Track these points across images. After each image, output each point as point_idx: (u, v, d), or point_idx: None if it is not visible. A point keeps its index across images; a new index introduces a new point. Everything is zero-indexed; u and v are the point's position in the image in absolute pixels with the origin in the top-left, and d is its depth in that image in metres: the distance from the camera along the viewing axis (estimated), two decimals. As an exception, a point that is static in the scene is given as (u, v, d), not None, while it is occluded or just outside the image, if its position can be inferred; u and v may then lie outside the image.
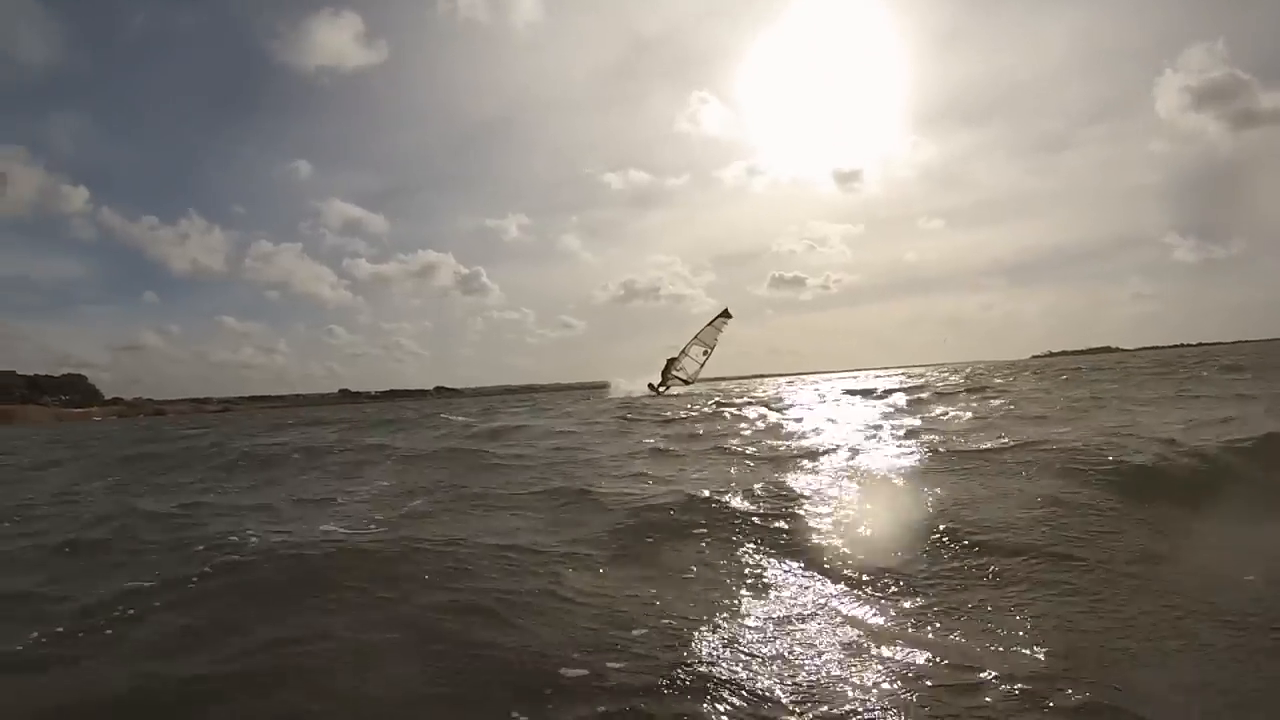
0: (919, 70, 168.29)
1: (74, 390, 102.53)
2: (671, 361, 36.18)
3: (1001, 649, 2.62)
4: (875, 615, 3.03)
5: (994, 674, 2.37)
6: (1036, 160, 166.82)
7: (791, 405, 17.20)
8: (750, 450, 8.23)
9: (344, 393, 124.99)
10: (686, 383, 35.95)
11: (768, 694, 2.34)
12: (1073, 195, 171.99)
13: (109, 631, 2.99)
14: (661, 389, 35.02)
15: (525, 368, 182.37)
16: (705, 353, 36.58)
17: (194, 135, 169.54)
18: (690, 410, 16.63)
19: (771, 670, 2.51)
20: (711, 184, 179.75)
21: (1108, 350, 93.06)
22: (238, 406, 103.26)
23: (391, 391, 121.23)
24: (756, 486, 5.26)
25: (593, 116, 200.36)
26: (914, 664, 2.52)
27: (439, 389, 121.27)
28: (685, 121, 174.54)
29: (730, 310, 37.59)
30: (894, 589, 3.30)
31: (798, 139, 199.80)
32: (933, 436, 8.30)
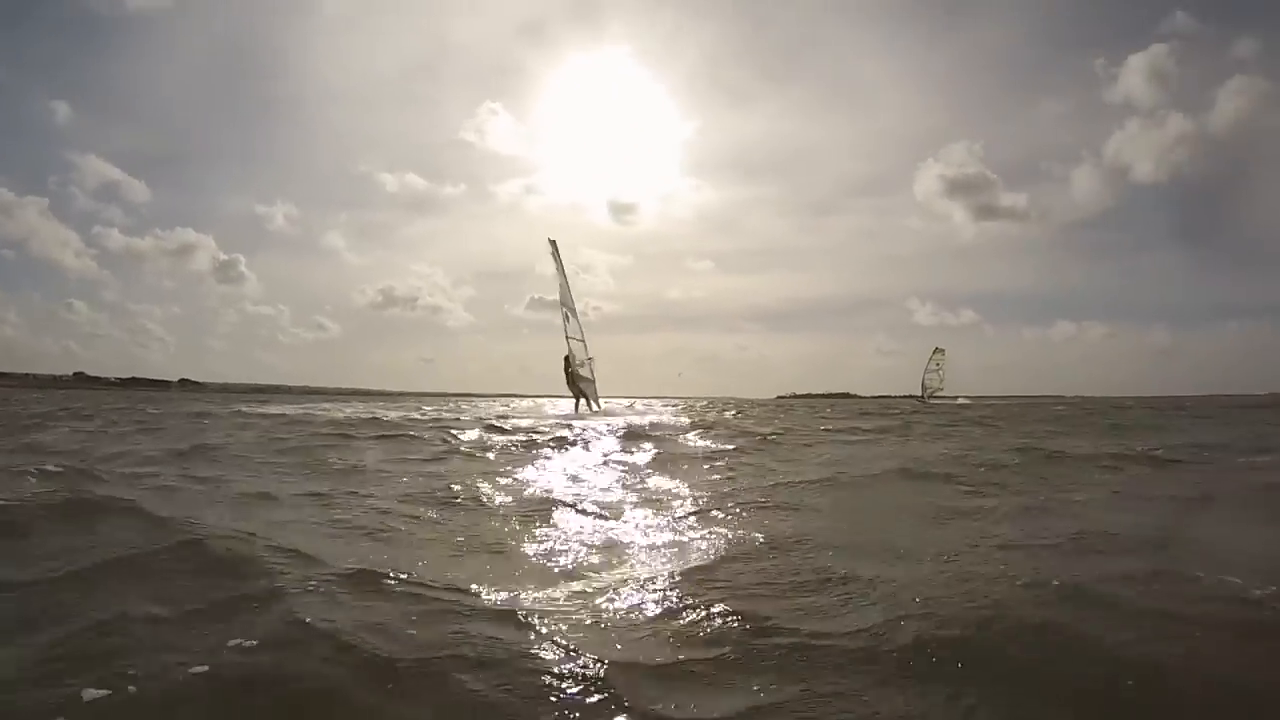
0: (708, 121, 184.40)
1: None
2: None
3: None
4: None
5: None
6: (804, 220, 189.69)
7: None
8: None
9: (80, 376, 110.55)
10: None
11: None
12: (833, 255, 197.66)
13: None
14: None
15: (276, 366, 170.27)
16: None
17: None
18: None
19: None
20: (487, 198, 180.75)
21: (846, 396, 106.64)
22: None
23: (134, 379, 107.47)
24: None
25: (382, 113, 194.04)
26: None
27: (184, 381, 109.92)
28: (472, 131, 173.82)
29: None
30: None
31: (580, 165, 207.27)
32: None
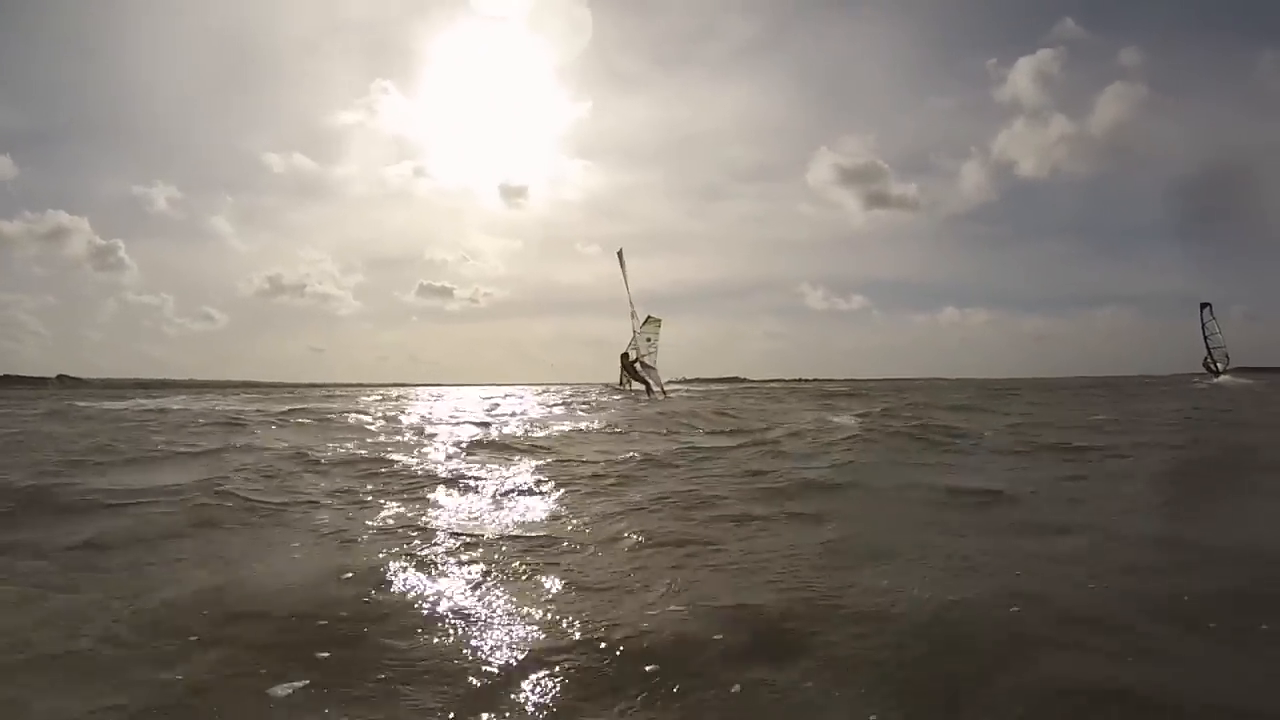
0: (598, 105, 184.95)
1: None
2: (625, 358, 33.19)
3: None
4: None
5: None
6: (694, 205, 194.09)
7: None
8: None
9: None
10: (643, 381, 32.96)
11: None
12: (722, 240, 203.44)
13: None
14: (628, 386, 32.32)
15: (160, 359, 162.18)
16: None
17: None
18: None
19: None
20: (377, 181, 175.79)
21: (738, 380, 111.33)
22: None
23: (7, 377, 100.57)
24: None
25: (268, 92, 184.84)
26: None
27: (62, 377, 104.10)
28: (363, 110, 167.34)
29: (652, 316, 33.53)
30: None
31: (471, 147, 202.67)
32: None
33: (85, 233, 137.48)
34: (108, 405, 23.49)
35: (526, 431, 11.59)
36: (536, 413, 18.03)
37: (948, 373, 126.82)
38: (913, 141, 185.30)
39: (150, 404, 24.06)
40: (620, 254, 31.09)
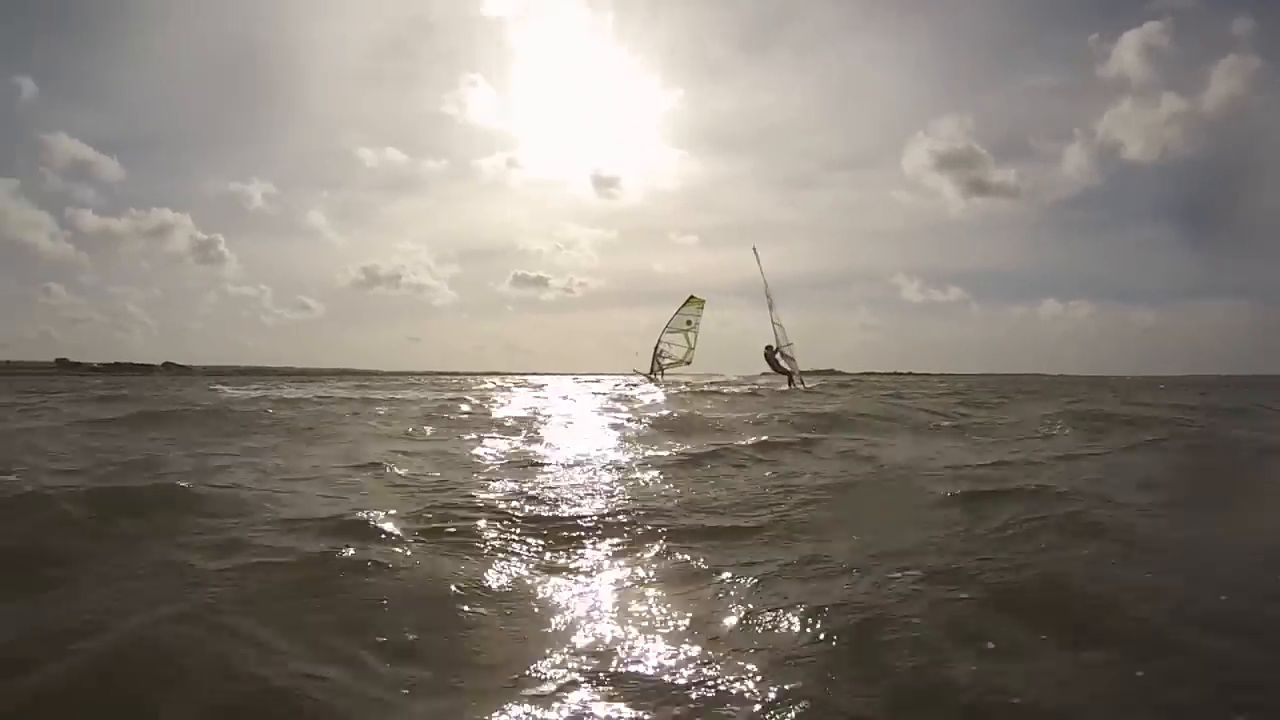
0: (689, 94, 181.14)
1: None
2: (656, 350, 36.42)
3: None
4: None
5: None
6: (786, 194, 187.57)
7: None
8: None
9: (62, 363, 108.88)
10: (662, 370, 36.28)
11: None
12: (815, 230, 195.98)
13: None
14: (653, 376, 35.21)
15: (259, 348, 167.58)
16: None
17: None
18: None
19: None
20: (470, 173, 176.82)
21: (832, 372, 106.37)
22: None
23: (116, 364, 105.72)
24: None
25: (359, 89, 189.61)
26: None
27: (168, 364, 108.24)
28: (453, 104, 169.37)
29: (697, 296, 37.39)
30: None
31: (562, 138, 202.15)
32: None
33: (187, 228, 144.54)
34: (244, 393, 21.02)
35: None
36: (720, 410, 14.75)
37: (1048, 368, 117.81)
38: (1012, 124, 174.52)
39: (295, 392, 20.52)
40: (755, 250, 31.03)
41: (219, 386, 23.67)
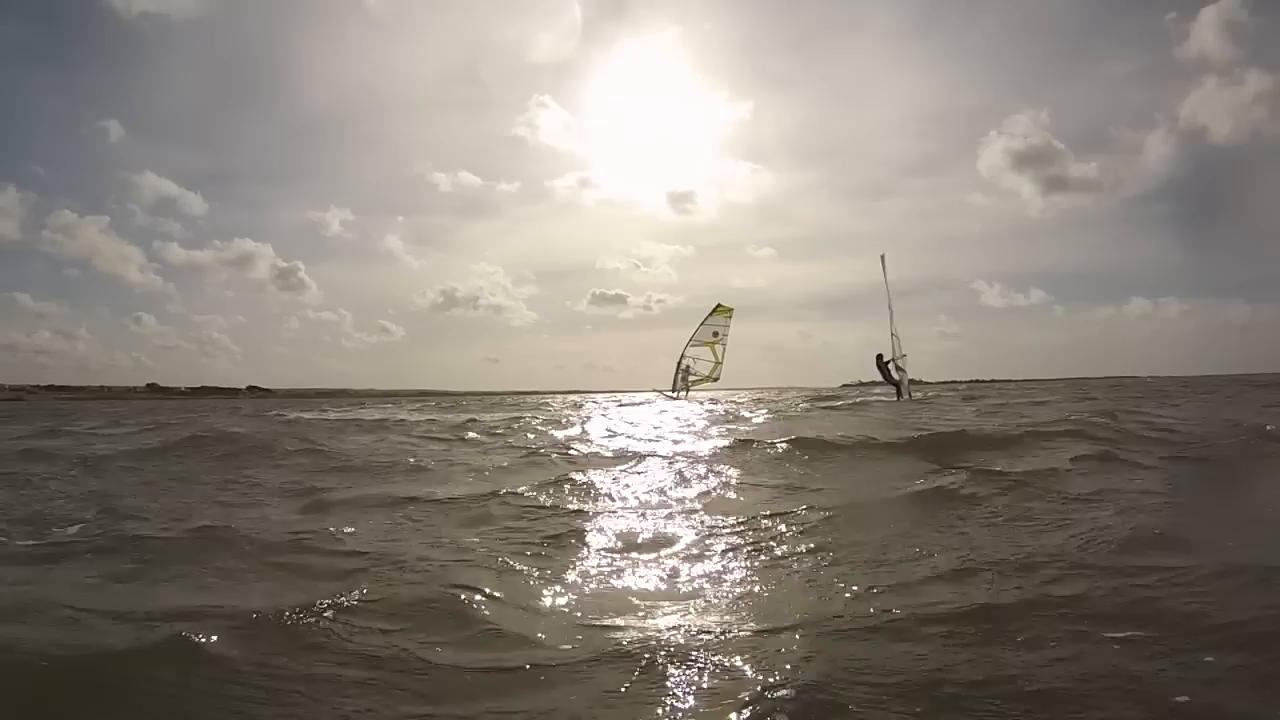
0: (758, 106, 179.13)
1: None
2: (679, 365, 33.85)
3: None
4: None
5: None
6: (859, 204, 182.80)
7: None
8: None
9: (152, 387, 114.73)
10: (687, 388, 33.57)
11: None
12: (890, 239, 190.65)
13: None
14: (675, 394, 32.66)
15: (341, 371, 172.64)
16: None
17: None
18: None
19: None
20: (543, 194, 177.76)
21: (911, 382, 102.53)
22: (33, 395, 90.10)
23: (203, 388, 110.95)
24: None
25: (429, 118, 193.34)
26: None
27: (251, 388, 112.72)
28: (523, 126, 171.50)
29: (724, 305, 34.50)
30: None
31: (634, 156, 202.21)
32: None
33: (268, 257, 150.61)
34: (335, 415, 19.70)
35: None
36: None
37: (1139, 369, 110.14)
38: (1089, 116, 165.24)
39: (407, 415, 18.62)
40: (883, 258, 28.94)
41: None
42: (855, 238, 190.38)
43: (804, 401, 25.73)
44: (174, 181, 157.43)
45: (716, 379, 34.43)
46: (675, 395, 32.57)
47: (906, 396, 26.70)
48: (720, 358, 34.54)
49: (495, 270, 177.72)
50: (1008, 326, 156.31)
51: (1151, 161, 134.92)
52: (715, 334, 34.36)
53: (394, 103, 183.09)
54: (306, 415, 18.84)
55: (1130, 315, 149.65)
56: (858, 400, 25.68)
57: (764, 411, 16.29)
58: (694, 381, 33.78)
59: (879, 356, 28.66)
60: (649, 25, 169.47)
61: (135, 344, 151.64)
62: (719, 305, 34.62)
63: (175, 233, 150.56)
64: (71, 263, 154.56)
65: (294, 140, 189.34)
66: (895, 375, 28.58)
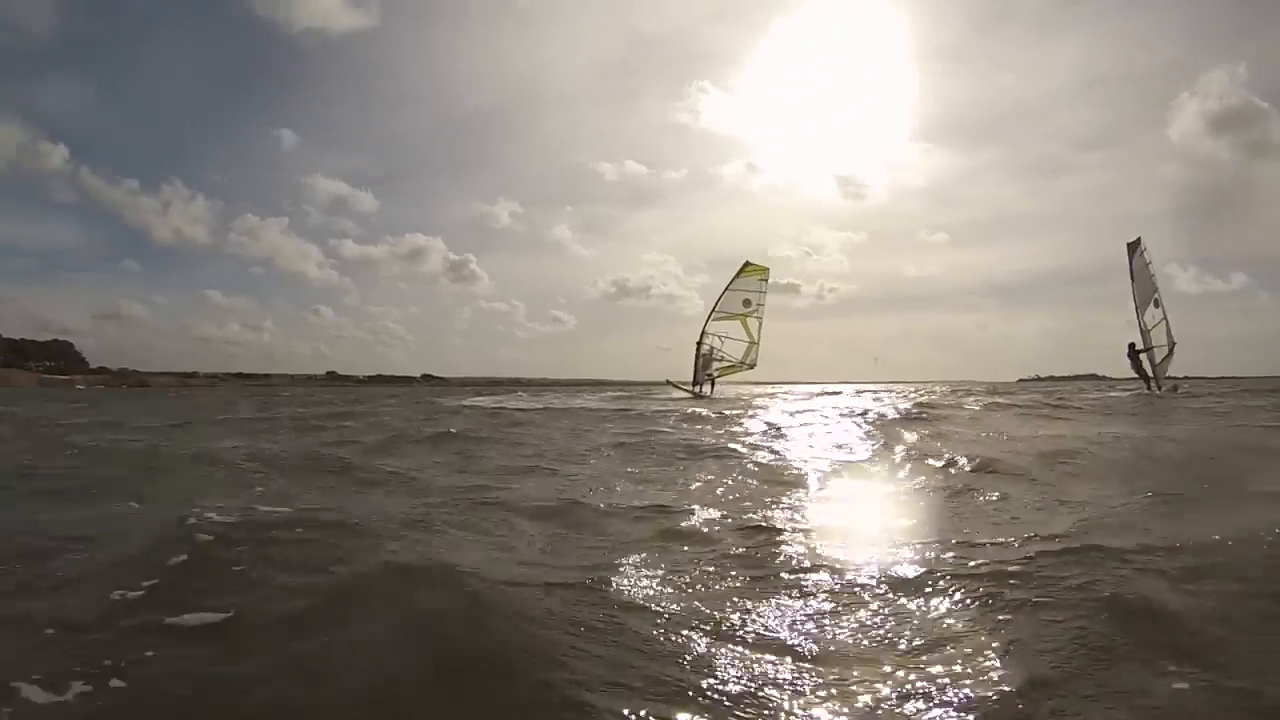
0: (921, 83, 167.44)
1: (60, 357, 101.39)
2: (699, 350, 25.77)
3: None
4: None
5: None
6: (1033, 182, 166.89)
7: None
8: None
9: (331, 375, 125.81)
10: (711, 380, 25.85)
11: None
12: (1069, 219, 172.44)
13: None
14: (696, 388, 25.46)
15: (514, 360, 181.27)
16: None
17: (175, 96, 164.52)
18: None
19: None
20: (710, 181, 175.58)
21: (1094, 377, 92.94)
22: (225, 383, 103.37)
23: (379, 376, 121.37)
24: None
25: (589, 110, 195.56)
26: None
27: (426, 376, 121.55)
28: (685, 112, 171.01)
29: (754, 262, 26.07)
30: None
31: (799, 138, 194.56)
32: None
33: (440, 250, 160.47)
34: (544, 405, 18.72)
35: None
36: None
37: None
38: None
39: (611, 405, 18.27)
40: (1134, 244, 25.01)
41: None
42: (1028, 219, 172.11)
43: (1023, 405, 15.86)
44: (345, 182, 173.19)
45: (753, 364, 26.16)
46: (696, 390, 25.30)
47: (1156, 391, 24.74)
48: (756, 335, 26.05)
49: (666, 259, 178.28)
50: (1205, 315, 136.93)
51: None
52: (746, 303, 26.01)
53: (551, 96, 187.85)
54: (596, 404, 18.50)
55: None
56: (1057, 402, 17.39)
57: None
58: (721, 369, 25.94)
59: (1131, 345, 26.94)
60: (804, 12, 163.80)
61: (314, 334, 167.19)
62: (748, 263, 26.41)
63: (349, 230, 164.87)
64: (256, 261, 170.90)
65: (456, 138, 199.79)
66: (1146, 368, 26.69)
